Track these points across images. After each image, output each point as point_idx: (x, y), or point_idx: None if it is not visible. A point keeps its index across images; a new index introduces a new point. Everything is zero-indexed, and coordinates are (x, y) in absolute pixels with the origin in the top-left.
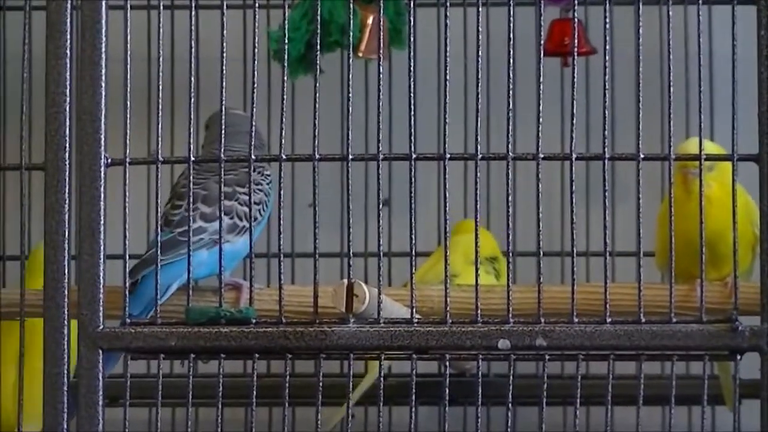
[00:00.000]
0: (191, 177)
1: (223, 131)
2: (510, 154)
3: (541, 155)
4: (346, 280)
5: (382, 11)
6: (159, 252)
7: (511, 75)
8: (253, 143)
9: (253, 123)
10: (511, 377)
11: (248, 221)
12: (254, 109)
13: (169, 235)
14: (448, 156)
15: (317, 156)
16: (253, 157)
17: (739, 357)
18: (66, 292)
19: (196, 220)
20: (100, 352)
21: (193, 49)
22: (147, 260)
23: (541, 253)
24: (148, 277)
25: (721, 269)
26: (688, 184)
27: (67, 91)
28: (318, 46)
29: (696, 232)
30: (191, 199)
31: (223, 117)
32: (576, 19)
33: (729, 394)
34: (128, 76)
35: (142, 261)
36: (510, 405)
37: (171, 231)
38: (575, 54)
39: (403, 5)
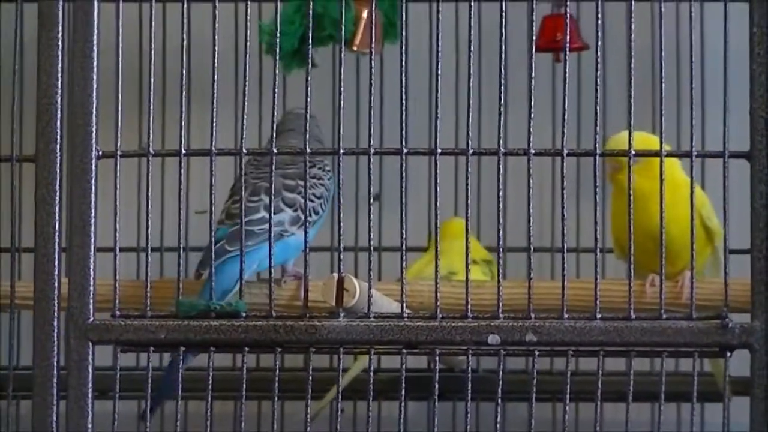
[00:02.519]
0: (244, 171)
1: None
2: (501, 149)
3: (533, 151)
4: (336, 275)
5: (375, 5)
6: (242, 237)
7: (503, 70)
8: (307, 138)
9: (311, 119)
10: (501, 372)
11: (311, 214)
12: (245, 103)
13: (234, 228)
14: (439, 151)
15: (308, 150)
16: (308, 150)
17: (729, 354)
18: (56, 285)
19: (260, 211)
20: (90, 344)
21: (184, 42)
22: (218, 252)
23: (532, 248)
24: (219, 268)
25: (674, 264)
26: (612, 179)
27: (59, 83)
28: (311, 40)
29: (637, 227)
30: (253, 191)
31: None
32: (568, 15)
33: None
34: (120, 69)
35: (213, 253)
36: (499, 400)
37: (235, 223)
38: (567, 50)
39: None
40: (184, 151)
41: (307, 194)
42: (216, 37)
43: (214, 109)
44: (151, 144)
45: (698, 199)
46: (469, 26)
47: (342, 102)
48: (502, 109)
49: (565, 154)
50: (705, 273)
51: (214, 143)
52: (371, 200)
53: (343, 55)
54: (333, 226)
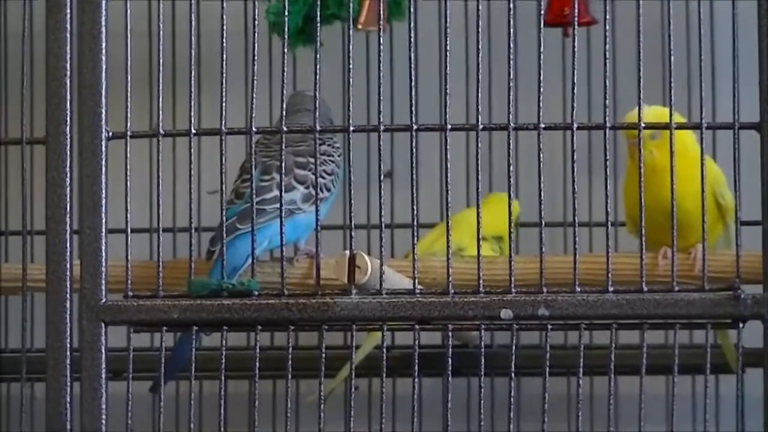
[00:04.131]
0: (253, 151)
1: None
2: (511, 124)
3: (543, 125)
4: (348, 252)
5: None
6: (254, 214)
7: (511, 45)
8: (317, 116)
9: (321, 99)
10: (514, 347)
11: (323, 191)
12: (254, 82)
13: (245, 206)
14: (449, 126)
15: (318, 127)
16: (317, 128)
17: (741, 325)
18: (69, 267)
19: (273, 189)
20: (103, 325)
21: (193, 23)
22: (228, 229)
23: (543, 223)
24: (230, 245)
25: (686, 239)
26: (633, 154)
27: (68, 65)
28: (318, 19)
29: (652, 202)
30: (264, 170)
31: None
32: None
33: (733, 360)
34: (129, 50)
35: (224, 231)
36: (513, 375)
37: (246, 202)
38: (575, 24)
39: None
40: (194, 131)
41: (317, 171)
42: (224, 17)
43: (224, 89)
44: (161, 124)
45: (712, 175)
46: (477, 1)
47: (351, 80)
48: (511, 84)
49: (575, 128)
50: (717, 249)
51: (224, 123)
52: (382, 177)
53: (351, 33)
54: (345, 204)
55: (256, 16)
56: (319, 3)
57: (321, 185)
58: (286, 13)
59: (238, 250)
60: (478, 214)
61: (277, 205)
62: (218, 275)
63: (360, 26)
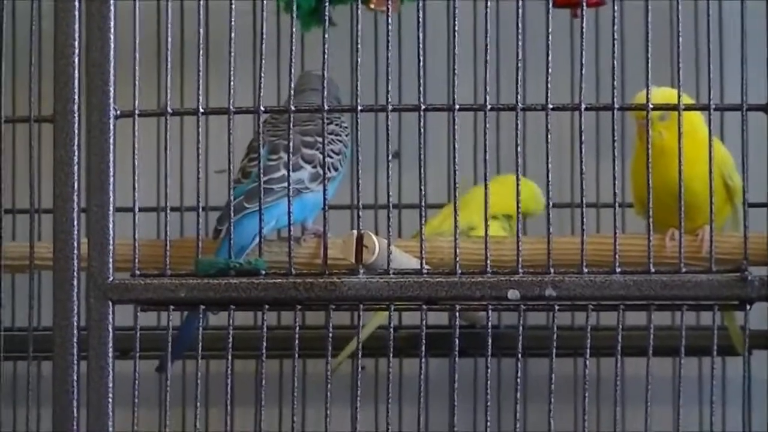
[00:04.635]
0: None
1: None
2: (519, 104)
3: (551, 106)
4: (356, 232)
5: None
6: (261, 193)
7: (520, 26)
8: (325, 95)
9: (329, 79)
10: (521, 328)
11: (331, 171)
12: (263, 62)
13: (252, 185)
14: (457, 107)
15: (326, 107)
16: (325, 107)
17: (748, 307)
18: (76, 245)
19: (280, 168)
20: (110, 303)
21: (202, 1)
22: (236, 208)
23: (551, 204)
24: (237, 224)
25: (694, 220)
26: (642, 135)
27: (76, 43)
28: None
29: (660, 183)
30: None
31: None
32: None
33: (739, 342)
34: (137, 29)
35: (231, 210)
36: (520, 356)
37: (253, 181)
38: (585, 5)
39: None
40: (202, 110)
41: (325, 150)
42: None
43: (232, 68)
44: (169, 103)
45: (720, 157)
46: None
47: (359, 59)
48: (519, 65)
49: (583, 109)
50: (725, 230)
51: (232, 102)
52: (390, 157)
53: (360, 12)
54: (352, 184)
55: None
56: None
57: (329, 165)
58: None
59: (245, 229)
60: (486, 195)
61: (285, 185)
62: (225, 254)
63: (372, 6)
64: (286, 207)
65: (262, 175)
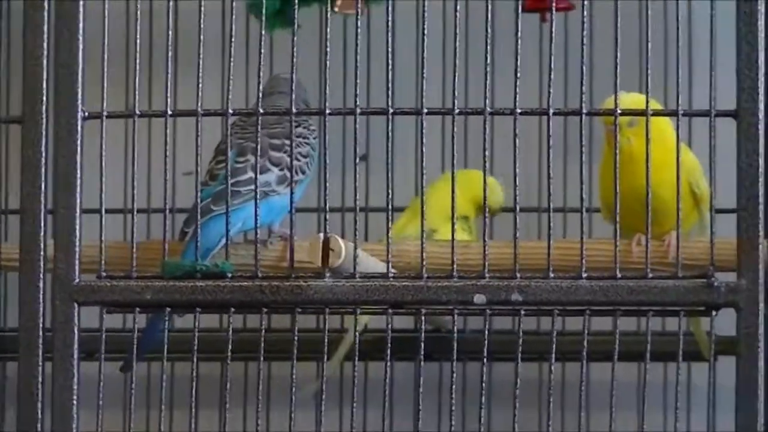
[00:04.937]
0: (229, 132)
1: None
2: (487, 108)
3: (519, 110)
4: (322, 235)
5: None
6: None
7: (489, 30)
8: (293, 99)
9: (298, 82)
10: (487, 332)
11: (298, 174)
12: (231, 64)
13: (220, 187)
14: (425, 110)
15: (294, 110)
16: (294, 110)
17: (714, 313)
18: (42, 246)
19: (248, 171)
20: (76, 305)
21: (170, 3)
22: (203, 210)
23: (518, 208)
24: (204, 227)
25: (661, 226)
26: (610, 141)
27: (45, 44)
28: (296, 1)
29: (627, 189)
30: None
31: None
32: None
33: (705, 348)
34: (106, 30)
35: (198, 212)
36: (485, 360)
37: (220, 183)
38: (554, 9)
39: None
40: (170, 112)
41: (293, 153)
42: None
43: (200, 70)
44: (137, 105)
45: (688, 164)
46: None
47: (328, 63)
48: (488, 69)
49: (551, 114)
50: (691, 236)
51: (200, 104)
52: (357, 160)
53: (329, 15)
54: (320, 187)
55: None
56: None
57: (296, 168)
58: None
59: (212, 231)
60: (452, 199)
61: (252, 187)
62: (192, 257)
63: (337, 9)
64: (252, 209)
65: (229, 178)
